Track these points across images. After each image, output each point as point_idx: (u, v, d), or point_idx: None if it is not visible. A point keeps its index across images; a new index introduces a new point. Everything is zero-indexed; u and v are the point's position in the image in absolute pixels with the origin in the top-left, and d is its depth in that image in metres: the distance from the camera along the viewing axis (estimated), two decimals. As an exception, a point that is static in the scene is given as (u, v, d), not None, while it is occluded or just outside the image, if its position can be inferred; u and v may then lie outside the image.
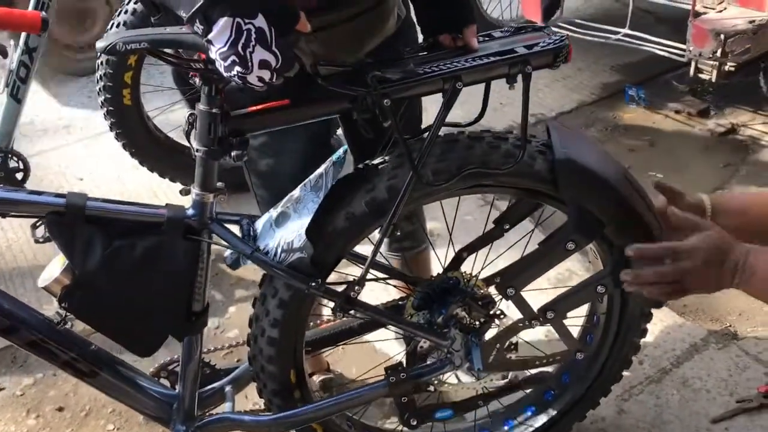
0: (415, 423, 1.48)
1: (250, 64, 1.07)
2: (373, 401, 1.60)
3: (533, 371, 1.58)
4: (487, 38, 1.30)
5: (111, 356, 1.44)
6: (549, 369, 1.61)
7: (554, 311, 1.43)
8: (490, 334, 1.47)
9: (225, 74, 1.11)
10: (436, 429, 1.63)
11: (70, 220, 1.23)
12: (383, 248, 1.96)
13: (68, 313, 1.30)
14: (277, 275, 1.29)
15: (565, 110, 3.40)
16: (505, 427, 1.70)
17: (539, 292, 1.49)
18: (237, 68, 1.08)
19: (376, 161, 1.35)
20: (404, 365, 1.49)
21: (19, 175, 2.49)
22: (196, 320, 1.38)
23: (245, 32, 1.05)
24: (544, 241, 1.40)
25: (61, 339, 1.35)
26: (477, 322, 1.45)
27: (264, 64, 1.08)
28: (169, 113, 2.80)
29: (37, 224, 1.29)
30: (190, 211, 1.30)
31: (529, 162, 1.31)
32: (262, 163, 1.60)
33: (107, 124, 2.55)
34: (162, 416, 1.48)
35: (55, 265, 1.29)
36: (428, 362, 1.50)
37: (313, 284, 1.28)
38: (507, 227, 1.46)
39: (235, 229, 1.35)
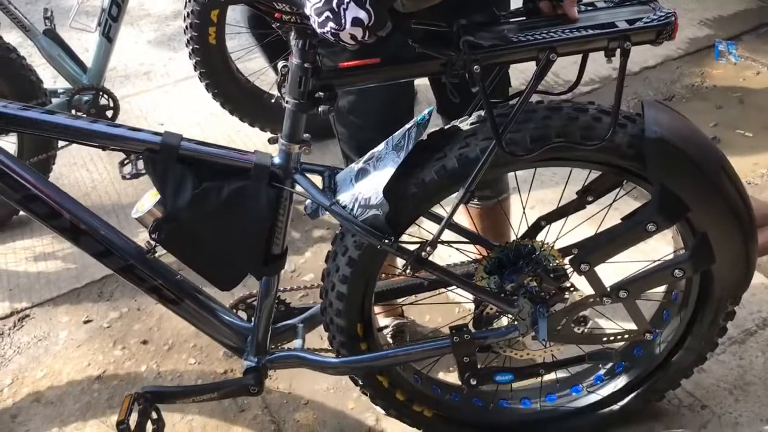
0: (474, 383, 1.49)
1: (343, 20, 1.08)
2: (435, 357, 1.61)
3: (600, 346, 1.55)
4: (590, 8, 1.24)
5: (194, 286, 1.52)
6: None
7: (627, 291, 1.40)
8: (559, 306, 1.45)
9: (318, 30, 1.12)
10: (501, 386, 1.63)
11: (165, 158, 1.29)
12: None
13: (157, 244, 1.37)
14: (353, 229, 1.31)
15: (650, 65, 3.28)
16: (573, 393, 1.70)
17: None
18: (330, 24, 1.09)
19: (458, 124, 1.34)
20: (469, 326, 1.49)
21: (109, 113, 2.57)
22: (274, 262, 1.43)
23: None
24: (624, 219, 1.36)
25: (150, 266, 1.43)
26: (547, 294, 1.44)
27: (357, 22, 1.09)
28: (247, 62, 2.82)
29: (125, 162, 1.34)
30: (276, 160, 1.34)
31: (618, 138, 1.27)
32: (348, 118, 1.62)
33: (192, 63, 2.59)
34: (237, 346, 1.56)
35: (147, 199, 1.35)
36: (494, 326, 1.50)
37: (386, 241, 1.29)
38: (591, 199, 1.43)
39: (317, 179, 1.38)
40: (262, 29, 2.59)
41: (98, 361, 2.08)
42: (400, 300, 2.00)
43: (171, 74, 3.54)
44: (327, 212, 1.32)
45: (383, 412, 1.69)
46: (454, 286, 1.47)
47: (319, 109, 1.27)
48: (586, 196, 1.43)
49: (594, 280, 1.40)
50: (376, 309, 2.04)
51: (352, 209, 1.29)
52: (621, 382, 1.65)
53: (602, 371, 1.68)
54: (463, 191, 1.27)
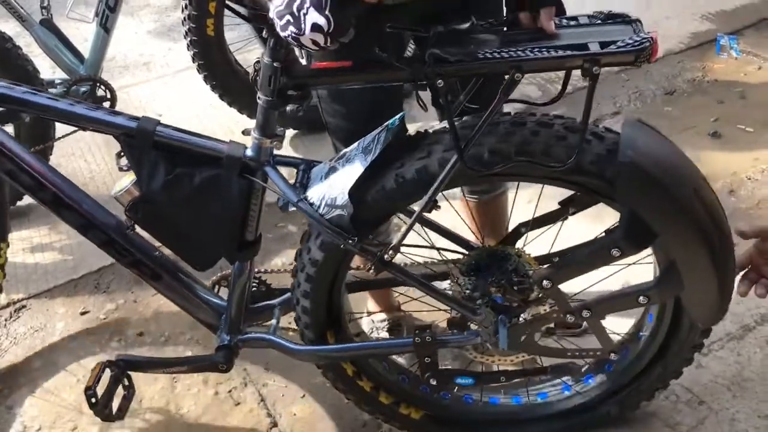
0: (435, 383, 1.49)
1: (303, 25, 1.09)
2: (396, 354, 1.63)
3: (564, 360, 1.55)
4: (572, 23, 1.20)
5: (173, 263, 1.57)
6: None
7: (590, 311, 1.38)
8: (525, 316, 1.44)
9: (281, 33, 1.13)
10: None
11: (140, 143, 1.33)
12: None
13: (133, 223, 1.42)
14: (318, 228, 1.31)
15: (651, 59, 3.26)
16: (539, 399, 1.69)
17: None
18: (291, 28, 1.10)
19: (428, 130, 1.34)
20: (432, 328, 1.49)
21: (107, 104, 2.56)
22: (247, 248, 1.47)
23: None
24: (589, 242, 1.34)
25: (130, 241, 1.50)
26: (510, 304, 1.42)
27: (316, 27, 1.09)
28: (246, 53, 2.81)
29: (121, 153, 1.37)
30: (249, 152, 1.36)
31: (586, 160, 1.24)
32: (333, 107, 1.61)
33: (190, 54, 2.58)
34: (212, 323, 1.61)
35: (126, 179, 1.40)
36: (456, 331, 1.50)
37: (350, 242, 1.30)
38: (573, 211, 1.40)
39: (293, 172, 1.39)
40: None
41: (95, 353, 2.08)
42: (396, 295, 2.00)
43: (170, 65, 3.53)
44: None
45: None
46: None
47: (287, 108, 1.30)
48: (568, 207, 1.41)
49: (557, 298, 1.38)
50: (372, 303, 2.03)
51: (319, 207, 1.30)
52: (595, 391, 1.64)
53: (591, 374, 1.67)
54: (425, 202, 1.27)
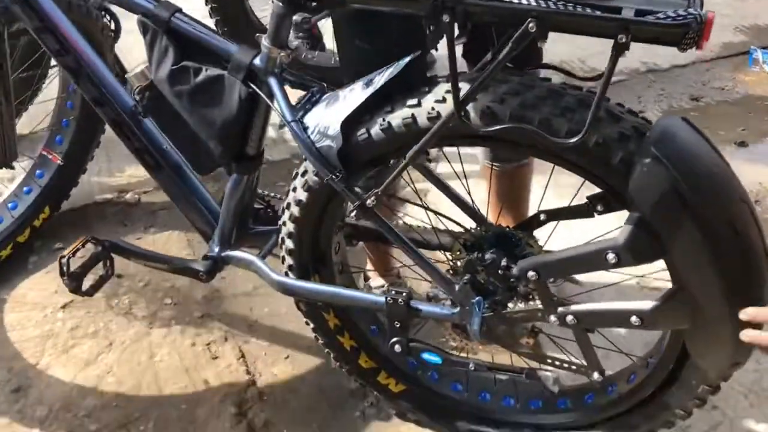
0: (398, 350, 1.37)
1: None
2: (367, 309, 1.52)
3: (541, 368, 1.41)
4: None
5: (179, 160, 1.57)
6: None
7: (577, 319, 1.23)
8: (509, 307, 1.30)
9: None
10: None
11: (154, 26, 1.33)
12: (479, 154, 1.81)
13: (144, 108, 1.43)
14: (306, 154, 1.22)
15: (680, 63, 3.16)
16: (531, 406, 1.53)
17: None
18: None
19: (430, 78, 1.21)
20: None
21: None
22: (246, 162, 1.43)
23: None
24: (588, 242, 1.17)
25: (139, 126, 1.53)
26: (492, 289, 1.29)
27: None
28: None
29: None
30: (257, 60, 1.29)
31: (604, 145, 1.08)
32: (353, 42, 1.46)
33: (203, -4, 2.44)
34: (205, 231, 1.59)
35: (143, 63, 1.41)
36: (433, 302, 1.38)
37: (333, 177, 1.20)
38: (600, 210, 1.22)
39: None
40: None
41: (66, 290, 1.93)
42: (400, 265, 1.86)
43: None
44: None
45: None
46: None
47: (295, 18, 1.26)
48: (596, 204, 1.23)
49: (543, 295, 1.24)
50: (371, 270, 1.90)
51: (312, 133, 1.22)
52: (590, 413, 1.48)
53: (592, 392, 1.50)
54: (414, 152, 1.15)
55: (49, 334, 1.83)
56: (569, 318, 1.22)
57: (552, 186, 1.40)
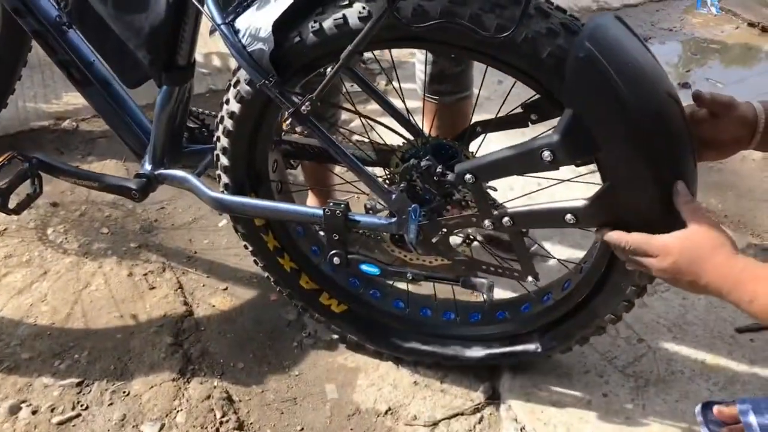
0: (337, 262, 1.36)
1: None
2: (306, 223, 1.52)
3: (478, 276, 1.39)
4: None
5: (108, 75, 1.52)
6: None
7: (512, 221, 1.23)
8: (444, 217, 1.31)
9: None
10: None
11: None
12: (419, 88, 1.80)
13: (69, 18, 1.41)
14: (235, 57, 1.17)
15: (631, 3, 3.17)
16: (471, 319, 1.56)
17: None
18: None
19: None
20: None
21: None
22: (176, 72, 1.39)
23: None
24: (525, 143, 1.16)
25: (64, 37, 1.48)
26: (428, 196, 1.29)
27: None
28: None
29: None
30: None
31: (534, 41, 1.06)
32: None
33: None
34: (136, 149, 1.55)
35: None
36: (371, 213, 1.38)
37: (266, 82, 1.16)
38: (534, 118, 1.24)
39: None
40: None
41: (-1, 218, 1.89)
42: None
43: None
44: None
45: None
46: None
47: None
48: (530, 112, 1.25)
49: (479, 198, 1.23)
50: (312, 200, 1.89)
51: (243, 36, 1.17)
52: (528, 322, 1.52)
53: (529, 302, 1.53)
54: (346, 52, 1.12)
55: (-22, 262, 1.79)
56: (505, 220, 1.23)
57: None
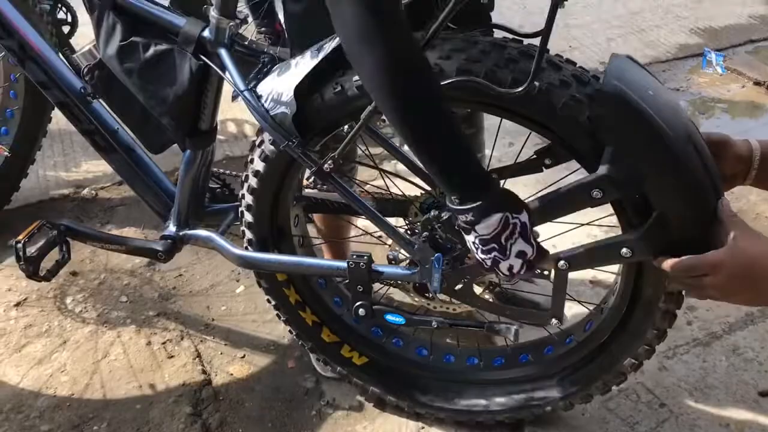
0: (363, 314, 1.38)
1: (508, 252, 1.12)
2: (330, 276, 1.55)
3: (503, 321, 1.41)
4: None
5: (132, 141, 1.56)
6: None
7: (568, 264, 1.23)
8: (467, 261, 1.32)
9: (480, 256, 1.15)
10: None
11: (102, 3, 1.31)
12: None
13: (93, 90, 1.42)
14: (260, 122, 1.22)
15: (637, 64, 3.21)
16: (494, 364, 1.57)
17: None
18: (495, 254, 1.13)
19: None
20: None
21: (66, 28, 2.37)
22: (199, 137, 1.43)
23: (511, 225, 1.10)
24: (571, 183, 1.18)
25: (90, 109, 1.52)
26: (450, 245, 1.31)
27: (521, 254, 1.12)
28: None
29: None
30: (206, 32, 1.29)
31: (548, 92, 1.10)
32: (303, 22, 1.46)
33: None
34: (160, 211, 1.59)
35: (91, 42, 1.39)
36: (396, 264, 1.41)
37: (290, 143, 1.20)
38: (548, 162, 1.26)
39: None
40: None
41: (20, 287, 1.92)
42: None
43: None
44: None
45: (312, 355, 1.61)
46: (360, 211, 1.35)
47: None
48: (543, 158, 1.27)
49: None
50: (326, 253, 1.90)
51: (266, 101, 1.22)
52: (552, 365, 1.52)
53: (551, 345, 1.54)
54: (368, 113, 1.15)
55: (2, 333, 1.79)
56: (561, 263, 1.24)
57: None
